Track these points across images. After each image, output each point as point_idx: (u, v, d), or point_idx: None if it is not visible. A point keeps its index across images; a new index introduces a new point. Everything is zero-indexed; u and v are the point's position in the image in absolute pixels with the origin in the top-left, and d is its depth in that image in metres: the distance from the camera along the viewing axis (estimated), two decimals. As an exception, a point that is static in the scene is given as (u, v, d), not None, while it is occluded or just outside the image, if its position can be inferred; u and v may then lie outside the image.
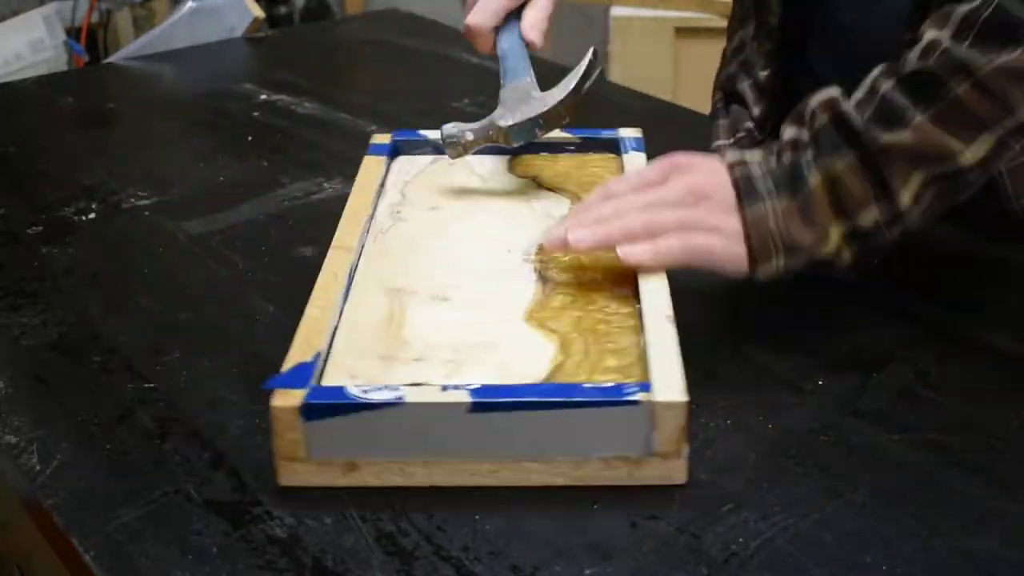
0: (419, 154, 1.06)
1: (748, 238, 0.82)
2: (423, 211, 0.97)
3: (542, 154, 1.06)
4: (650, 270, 0.82)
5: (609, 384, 0.71)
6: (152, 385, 0.83)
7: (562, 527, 0.68)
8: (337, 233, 0.90)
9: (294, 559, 0.66)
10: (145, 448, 0.76)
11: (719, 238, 0.82)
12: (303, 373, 0.73)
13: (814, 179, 0.81)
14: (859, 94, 0.83)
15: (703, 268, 0.83)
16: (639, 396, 0.70)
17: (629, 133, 1.08)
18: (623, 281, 0.84)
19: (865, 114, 0.82)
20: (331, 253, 0.87)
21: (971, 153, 0.81)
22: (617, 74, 2.60)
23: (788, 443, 0.76)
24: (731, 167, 0.84)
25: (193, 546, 0.67)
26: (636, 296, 0.82)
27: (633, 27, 2.68)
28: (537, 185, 1.01)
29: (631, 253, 0.82)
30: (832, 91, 0.84)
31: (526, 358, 0.76)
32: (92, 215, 1.10)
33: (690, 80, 2.56)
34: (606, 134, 1.07)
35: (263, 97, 1.44)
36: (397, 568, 0.65)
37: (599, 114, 1.39)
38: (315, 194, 1.15)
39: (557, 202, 0.98)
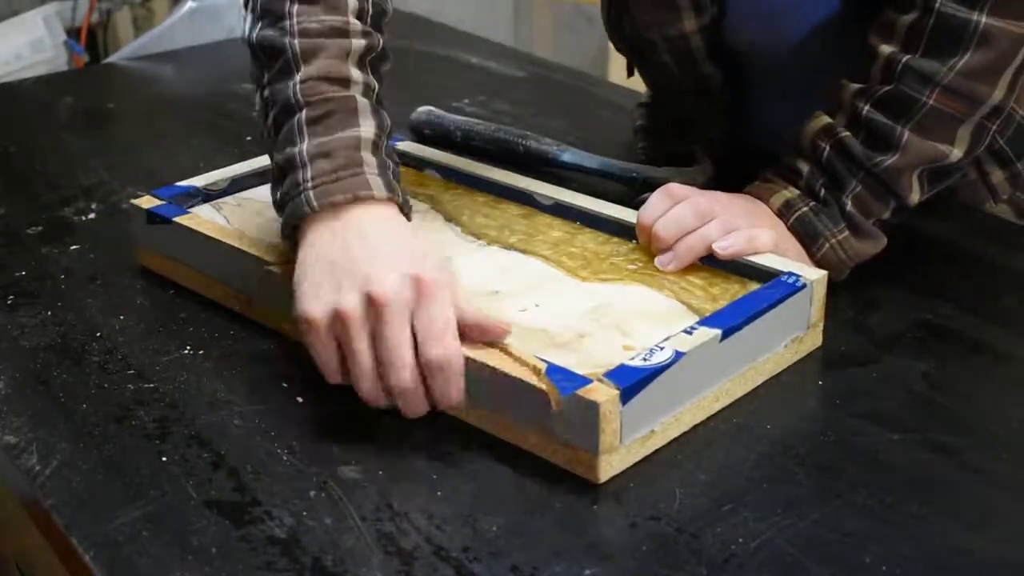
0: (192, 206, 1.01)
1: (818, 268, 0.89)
2: None
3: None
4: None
5: (772, 283, 0.83)
6: (152, 385, 0.83)
7: (562, 527, 0.68)
8: None
9: (294, 559, 0.66)
10: (145, 448, 0.76)
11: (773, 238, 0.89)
12: (565, 373, 0.73)
13: (848, 205, 0.90)
14: (844, 117, 0.91)
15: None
16: (803, 280, 0.83)
17: None
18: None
19: (860, 138, 0.90)
20: None
21: (958, 149, 0.89)
22: (617, 74, 2.60)
23: (788, 443, 0.76)
24: (780, 213, 0.92)
25: (193, 546, 0.67)
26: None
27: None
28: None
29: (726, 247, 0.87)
30: (824, 119, 0.92)
31: (639, 304, 0.85)
32: (92, 215, 1.10)
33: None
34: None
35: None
36: (397, 568, 0.65)
37: (600, 113, 1.39)
38: (315, 194, 1.15)
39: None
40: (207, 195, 1.02)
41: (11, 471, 0.75)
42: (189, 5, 1.75)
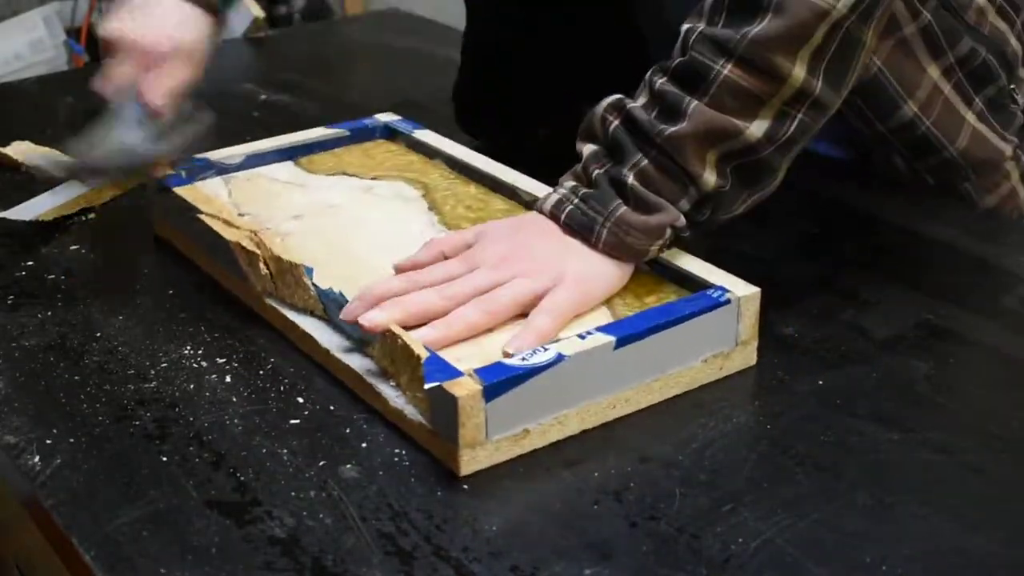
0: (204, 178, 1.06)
1: (618, 258, 0.84)
2: (292, 222, 0.98)
3: (319, 153, 1.12)
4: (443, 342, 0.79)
5: (695, 295, 0.82)
6: (152, 385, 0.83)
7: (562, 527, 0.68)
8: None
9: (294, 559, 0.66)
10: (145, 448, 0.76)
11: (566, 288, 0.81)
12: (443, 366, 0.73)
13: (630, 178, 0.83)
14: (642, 96, 0.86)
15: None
16: (728, 296, 0.81)
17: (388, 118, 1.16)
18: None
19: (651, 113, 0.84)
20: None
21: (755, 128, 0.82)
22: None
23: (788, 443, 0.76)
24: (553, 216, 0.85)
25: (193, 546, 0.67)
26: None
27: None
28: (351, 175, 1.08)
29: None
30: (616, 96, 0.87)
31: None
32: (92, 215, 1.10)
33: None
34: (368, 123, 1.15)
35: (263, 97, 1.44)
36: (397, 568, 0.65)
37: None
38: (315, 194, 1.15)
39: (391, 184, 1.05)
40: (221, 168, 1.05)
41: (11, 471, 0.75)
42: (189, 5, 1.75)
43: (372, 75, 1.62)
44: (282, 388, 0.82)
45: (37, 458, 0.75)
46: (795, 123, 0.83)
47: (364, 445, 0.76)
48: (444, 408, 0.72)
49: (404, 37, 1.69)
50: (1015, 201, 1.11)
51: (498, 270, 0.83)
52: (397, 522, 0.69)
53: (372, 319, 0.78)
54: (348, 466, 0.74)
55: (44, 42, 2.35)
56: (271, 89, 1.46)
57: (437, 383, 0.71)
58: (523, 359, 0.74)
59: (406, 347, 0.75)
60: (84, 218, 1.09)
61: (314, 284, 0.85)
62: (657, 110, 0.84)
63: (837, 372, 0.84)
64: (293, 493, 0.71)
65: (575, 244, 0.84)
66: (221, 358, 0.86)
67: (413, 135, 1.12)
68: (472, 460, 0.72)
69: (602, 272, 0.84)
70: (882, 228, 1.06)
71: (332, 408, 0.79)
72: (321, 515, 0.69)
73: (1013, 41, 1.08)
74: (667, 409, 0.79)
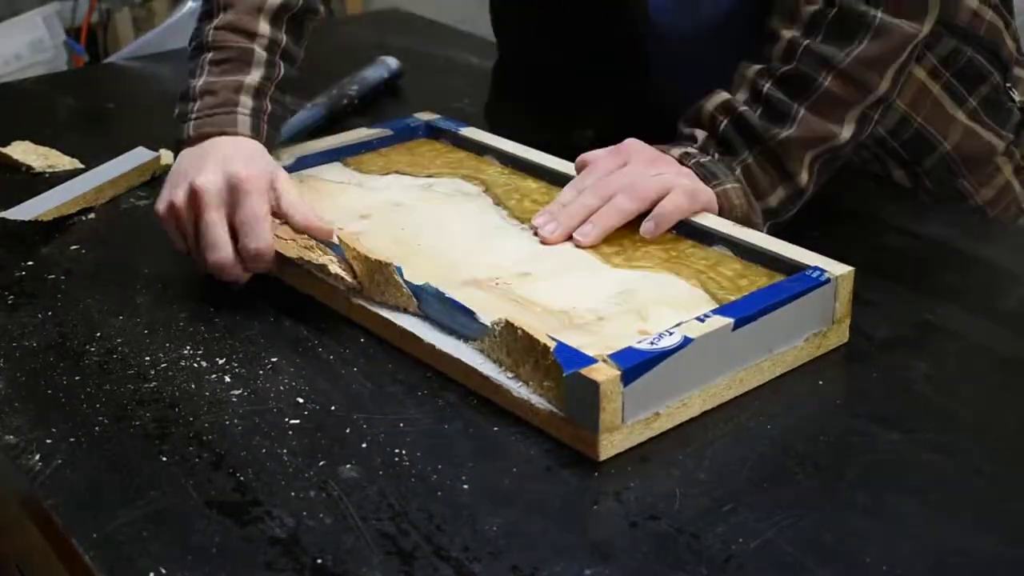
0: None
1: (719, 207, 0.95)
2: (362, 222, 0.99)
3: (366, 153, 1.13)
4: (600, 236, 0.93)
5: (795, 277, 0.85)
6: (152, 385, 0.83)
7: (562, 527, 0.68)
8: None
9: (294, 559, 0.66)
10: (145, 448, 0.76)
11: (685, 192, 0.93)
12: (574, 353, 0.75)
13: (737, 170, 0.96)
14: (743, 94, 0.97)
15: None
16: (827, 275, 0.84)
17: (429, 116, 1.18)
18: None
19: (757, 113, 0.96)
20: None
21: (845, 131, 0.96)
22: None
23: (788, 443, 0.76)
24: (680, 160, 0.96)
25: (193, 546, 0.67)
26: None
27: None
28: (405, 173, 1.08)
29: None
30: (723, 95, 0.98)
31: (670, 292, 0.87)
32: (92, 215, 1.10)
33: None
34: (411, 122, 1.17)
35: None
36: (397, 568, 0.65)
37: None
38: (315, 194, 1.15)
39: (450, 181, 1.06)
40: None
41: (11, 471, 0.75)
42: (189, 5, 1.75)
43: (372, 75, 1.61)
44: (282, 388, 0.82)
45: (37, 458, 0.75)
46: (870, 125, 0.98)
47: (364, 445, 0.76)
48: (582, 394, 0.73)
49: (404, 37, 1.69)
50: (1012, 195, 1.15)
51: (648, 166, 0.95)
52: (397, 522, 0.69)
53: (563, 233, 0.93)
54: (348, 466, 0.74)
55: (44, 42, 2.35)
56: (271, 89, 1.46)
57: (575, 370, 0.73)
58: (651, 343, 0.76)
59: (528, 336, 0.76)
60: (84, 218, 1.09)
61: (406, 281, 0.85)
62: (765, 113, 0.95)
63: (837, 372, 0.84)
64: (293, 493, 0.71)
65: (691, 176, 0.95)
66: (221, 358, 0.86)
67: (459, 132, 1.13)
68: (609, 444, 0.73)
69: (707, 200, 0.95)
70: (882, 228, 1.06)
71: (332, 408, 0.79)
72: (321, 515, 0.69)
73: (1008, 40, 1.10)
74: (667, 409, 0.79)
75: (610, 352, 0.75)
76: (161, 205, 0.94)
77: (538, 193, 1.03)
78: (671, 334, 0.77)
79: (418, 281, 0.85)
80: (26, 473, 0.74)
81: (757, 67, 0.97)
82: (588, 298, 0.86)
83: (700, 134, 0.98)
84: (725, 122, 0.96)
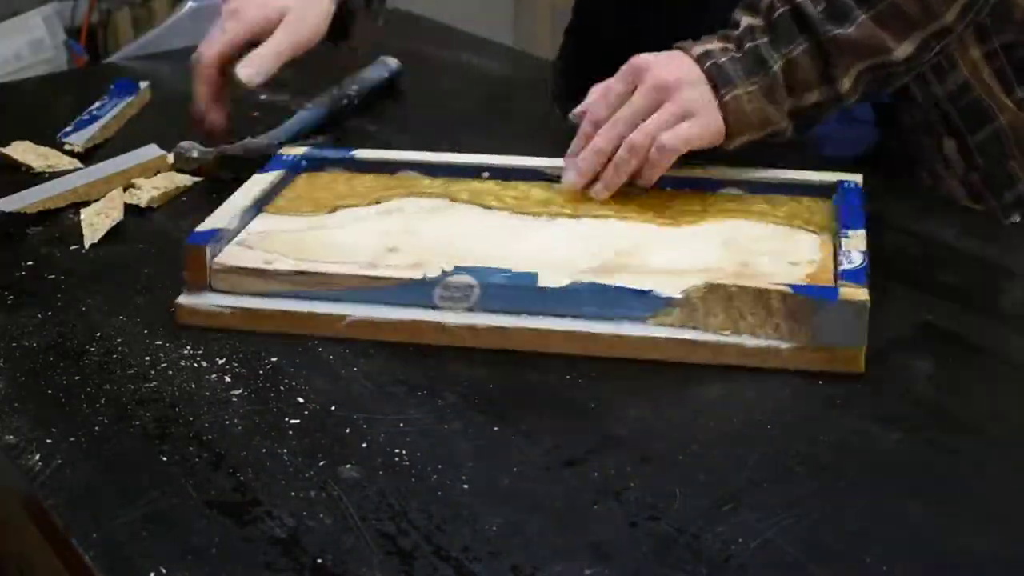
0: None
1: (725, 118, 0.95)
2: (393, 255, 0.94)
3: (274, 199, 1.03)
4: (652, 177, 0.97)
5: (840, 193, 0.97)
6: (152, 385, 0.83)
7: (562, 527, 0.68)
8: None
9: (294, 559, 0.66)
10: (145, 448, 0.76)
11: (697, 121, 0.94)
12: (811, 287, 0.84)
13: (777, 64, 0.95)
14: None
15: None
16: (855, 183, 0.97)
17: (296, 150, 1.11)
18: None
19: (818, 8, 0.95)
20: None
21: (902, 50, 0.96)
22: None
23: (788, 443, 0.76)
24: (698, 59, 0.96)
25: (193, 546, 0.67)
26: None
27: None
28: (350, 206, 1.02)
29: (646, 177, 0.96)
30: None
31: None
32: (81, 216, 1.10)
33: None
34: (286, 159, 1.08)
35: (263, 97, 1.44)
36: (397, 568, 0.65)
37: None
38: (315, 194, 1.15)
39: (413, 200, 1.02)
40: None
41: (11, 471, 0.75)
42: (189, 5, 1.75)
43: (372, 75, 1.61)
44: (282, 388, 0.82)
45: (37, 458, 0.75)
46: (931, 54, 0.98)
47: (364, 445, 0.76)
48: (842, 317, 0.81)
49: (404, 37, 1.69)
50: None
51: (653, 93, 0.95)
52: (397, 522, 0.69)
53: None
54: (348, 466, 0.74)
55: (44, 42, 2.35)
56: (271, 89, 1.46)
57: (836, 299, 0.81)
58: (851, 263, 0.85)
59: (752, 290, 0.82)
60: (72, 217, 1.09)
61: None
62: (825, 9, 0.95)
63: (837, 372, 0.84)
64: (293, 493, 0.71)
65: (705, 88, 0.96)
66: (221, 358, 0.86)
67: (355, 156, 1.08)
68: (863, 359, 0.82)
69: (712, 122, 0.96)
70: (882, 228, 1.06)
71: (332, 408, 0.79)
72: (321, 515, 0.69)
73: None
74: (667, 409, 0.79)
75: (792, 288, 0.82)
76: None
77: (498, 189, 1.01)
78: (850, 252, 0.86)
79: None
80: (26, 473, 0.74)
81: None
82: (705, 257, 0.89)
83: (747, 20, 0.97)
84: (782, 9, 0.96)
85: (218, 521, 0.69)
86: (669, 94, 0.95)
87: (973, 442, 0.76)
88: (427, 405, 0.80)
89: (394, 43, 1.65)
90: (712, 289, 0.82)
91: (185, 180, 1.17)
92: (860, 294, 0.81)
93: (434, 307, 0.86)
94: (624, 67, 0.98)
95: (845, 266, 0.85)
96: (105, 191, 1.12)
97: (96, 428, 0.78)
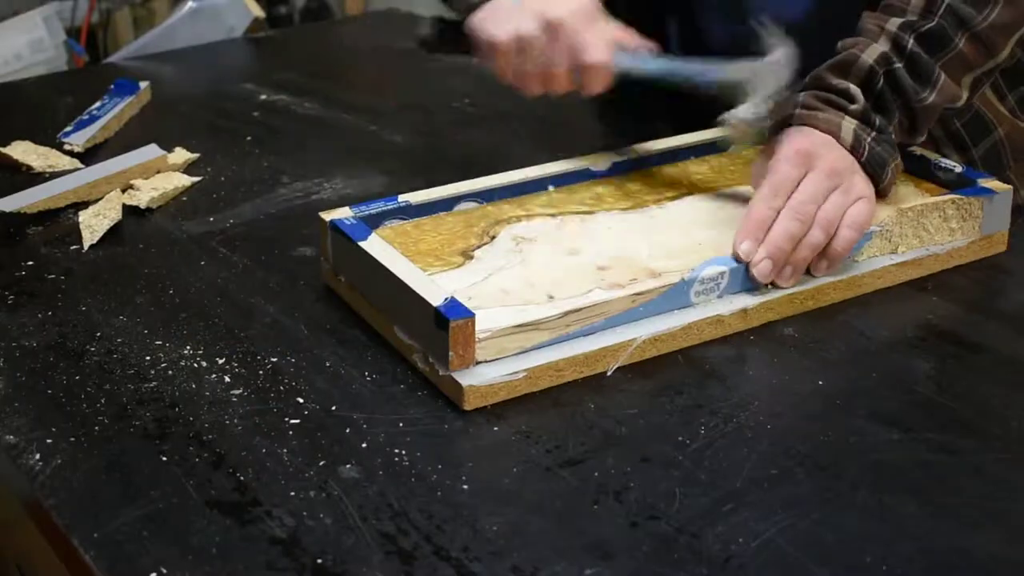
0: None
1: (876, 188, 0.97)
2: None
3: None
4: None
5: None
6: (152, 385, 0.83)
7: (562, 527, 0.68)
8: None
9: (294, 559, 0.66)
10: (145, 448, 0.76)
11: (868, 202, 0.94)
12: (965, 191, 0.98)
13: (894, 137, 0.99)
14: (884, 45, 0.98)
15: None
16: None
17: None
18: None
19: (909, 75, 0.97)
20: None
21: (965, 94, 1.00)
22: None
23: (788, 443, 0.76)
24: (852, 150, 0.96)
25: (193, 546, 0.67)
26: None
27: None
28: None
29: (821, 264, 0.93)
30: (876, 46, 0.98)
31: None
32: (80, 216, 1.10)
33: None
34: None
35: (263, 97, 1.44)
36: (397, 568, 0.65)
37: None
38: (315, 194, 1.15)
39: (542, 222, 0.99)
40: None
41: (11, 471, 0.75)
42: (189, 5, 1.75)
43: (372, 75, 1.62)
44: (282, 388, 0.82)
45: (37, 458, 0.75)
46: (981, 88, 1.02)
47: (364, 445, 0.76)
48: (996, 205, 0.98)
49: (404, 37, 1.69)
50: None
51: (830, 177, 0.94)
52: (397, 522, 0.69)
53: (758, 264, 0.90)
54: (348, 466, 0.74)
55: (44, 42, 2.35)
56: (271, 89, 1.46)
57: (993, 193, 0.98)
58: (954, 167, 1.00)
59: (936, 203, 0.96)
60: (72, 217, 1.09)
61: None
62: (912, 72, 0.98)
63: (837, 372, 0.84)
64: (293, 493, 0.71)
65: (862, 174, 0.96)
66: (221, 358, 0.86)
67: (409, 203, 0.98)
68: None
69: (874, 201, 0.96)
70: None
71: (332, 408, 0.79)
72: (321, 515, 0.69)
73: None
74: (666, 410, 0.79)
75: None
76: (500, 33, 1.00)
77: (571, 195, 1.03)
78: (940, 163, 1.02)
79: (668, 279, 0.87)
80: (26, 473, 0.74)
81: (897, 19, 0.98)
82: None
83: (854, 90, 0.97)
84: (882, 80, 0.97)
85: (218, 521, 0.69)
86: (842, 179, 0.94)
87: (973, 442, 0.76)
88: (427, 405, 0.80)
89: (394, 43, 1.65)
90: (902, 213, 0.94)
91: (184, 180, 1.17)
92: (1004, 186, 0.98)
93: (690, 305, 0.88)
94: (790, 154, 0.94)
95: (958, 170, 1.00)
96: (105, 191, 1.12)
97: (96, 428, 0.78)
